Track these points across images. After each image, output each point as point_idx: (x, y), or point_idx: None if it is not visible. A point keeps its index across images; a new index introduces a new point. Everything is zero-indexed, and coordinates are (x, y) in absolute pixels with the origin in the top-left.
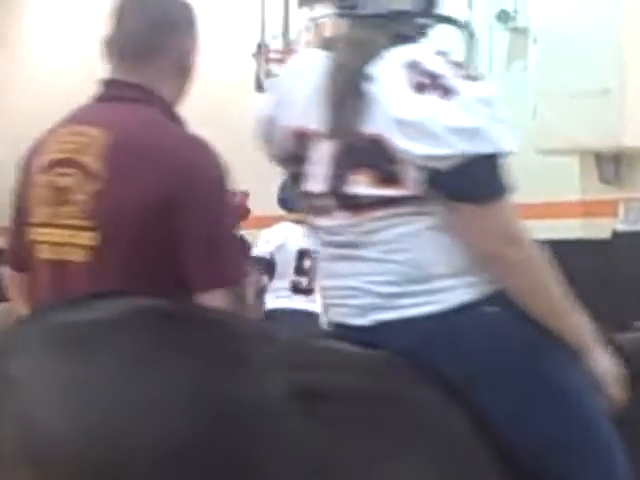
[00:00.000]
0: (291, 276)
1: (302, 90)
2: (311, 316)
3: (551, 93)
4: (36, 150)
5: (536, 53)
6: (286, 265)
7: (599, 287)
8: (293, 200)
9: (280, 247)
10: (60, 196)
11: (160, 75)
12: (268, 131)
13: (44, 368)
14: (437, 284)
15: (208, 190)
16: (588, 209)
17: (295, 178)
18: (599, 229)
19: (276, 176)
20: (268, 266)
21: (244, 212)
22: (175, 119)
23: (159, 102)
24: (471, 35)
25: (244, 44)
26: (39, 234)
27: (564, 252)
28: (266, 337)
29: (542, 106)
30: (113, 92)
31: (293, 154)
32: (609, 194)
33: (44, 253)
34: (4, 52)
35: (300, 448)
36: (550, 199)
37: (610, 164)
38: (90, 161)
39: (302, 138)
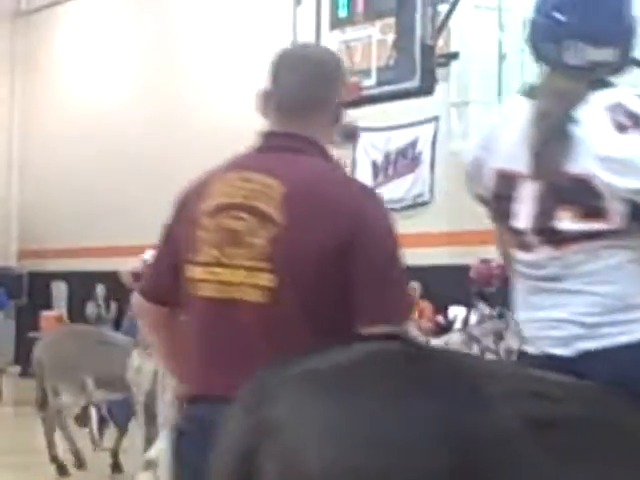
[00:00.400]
0: None
1: (508, 135)
2: None
3: None
4: (198, 193)
5: None
6: None
7: None
8: None
9: None
10: (231, 238)
11: (318, 126)
12: (474, 172)
13: (304, 411)
14: (636, 314)
15: (379, 235)
16: None
17: (499, 216)
18: None
19: None
20: None
21: None
22: (336, 166)
23: (321, 152)
24: None
25: None
26: (203, 272)
27: None
28: (491, 370)
29: None
30: (275, 143)
31: (497, 194)
32: None
33: (208, 291)
34: (34, 76)
35: (537, 477)
36: None
37: None
38: (266, 207)
39: (508, 179)
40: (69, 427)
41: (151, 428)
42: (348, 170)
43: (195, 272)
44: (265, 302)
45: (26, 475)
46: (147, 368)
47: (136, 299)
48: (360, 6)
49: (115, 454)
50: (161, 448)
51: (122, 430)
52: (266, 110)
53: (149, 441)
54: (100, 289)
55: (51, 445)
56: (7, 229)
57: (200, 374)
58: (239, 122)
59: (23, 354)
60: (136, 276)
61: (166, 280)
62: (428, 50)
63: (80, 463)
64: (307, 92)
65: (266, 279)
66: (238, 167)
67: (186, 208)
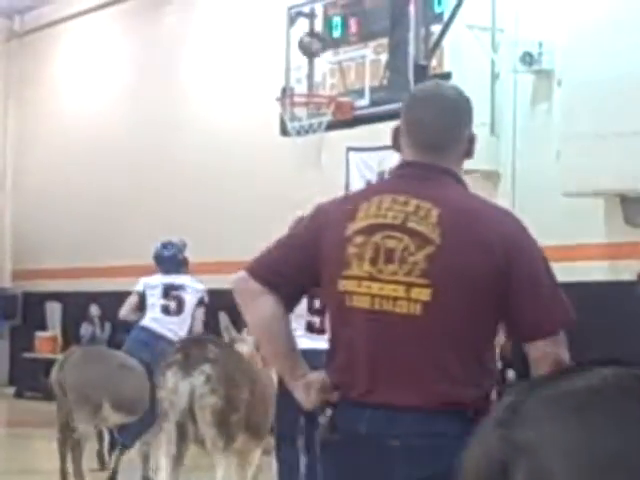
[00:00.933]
0: (306, 316)
1: None
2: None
3: (575, 136)
4: (345, 213)
5: (561, 96)
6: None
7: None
8: None
9: None
10: (386, 255)
11: (454, 159)
12: None
13: (558, 433)
14: None
15: (530, 250)
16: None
17: None
18: (624, 271)
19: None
20: None
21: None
22: (473, 194)
23: (458, 180)
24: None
25: (268, 88)
26: (356, 286)
27: (590, 294)
28: None
29: (566, 149)
30: (417, 172)
31: None
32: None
33: (362, 303)
34: (28, 96)
35: None
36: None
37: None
38: (422, 228)
39: None
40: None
41: (182, 446)
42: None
43: (347, 285)
44: (420, 315)
45: None
46: (183, 388)
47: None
48: (353, 27)
49: (115, 472)
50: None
51: (125, 449)
52: (399, 143)
53: (179, 459)
54: (94, 309)
55: (63, 470)
56: (1, 249)
57: (357, 382)
58: (232, 141)
59: (17, 375)
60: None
61: (282, 268)
62: (421, 70)
63: None
64: (443, 127)
65: (423, 294)
66: (387, 191)
67: (331, 227)
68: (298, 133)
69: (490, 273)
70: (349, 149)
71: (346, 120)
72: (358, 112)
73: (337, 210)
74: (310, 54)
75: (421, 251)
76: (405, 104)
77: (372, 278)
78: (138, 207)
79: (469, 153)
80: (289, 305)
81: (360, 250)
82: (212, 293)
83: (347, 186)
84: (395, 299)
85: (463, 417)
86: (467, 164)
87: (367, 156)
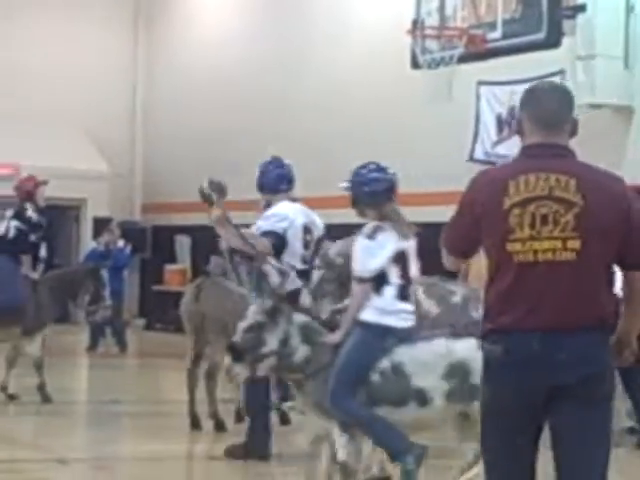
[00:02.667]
0: (300, 250)
1: None
2: None
3: None
4: (499, 192)
5: None
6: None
7: None
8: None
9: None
10: (542, 220)
11: (565, 136)
12: None
13: None
14: None
15: (637, 207)
16: None
17: None
18: None
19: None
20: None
21: None
22: (588, 163)
23: (574, 154)
24: None
25: (399, 21)
26: (522, 245)
27: None
28: None
29: None
30: (549, 151)
31: None
32: None
33: (528, 257)
34: (158, 29)
35: None
36: None
37: None
38: (567, 195)
39: None
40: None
41: None
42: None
43: (515, 246)
44: (574, 259)
45: (156, 422)
46: None
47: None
48: None
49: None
50: None
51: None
52: (523, 130)
53: None
54: (225, 242)
55: (192, 400)
56: (131, 183)
57: (530, 316)
58: (363, 75)
59: (147, 307)
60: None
61: (462, 244)
62: (555, 2)
63: (219, 425)
64: (562, 115)
65: (576, 244)
66: (530, 171)
67: (486, 203)
68: (429, 66)
69: (618, 224)
70: (480, 83)
71: (478, 53)
72: (490, 45)
73: (487, 188)
74: None
75: (569, 212)
76: (526, 96)
77: (533, 238)
78: (265, 141)
79: (574, 132)
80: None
81: (520, 219)
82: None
83: (477, 120)
84: (554, 251)
85: (606, 330)
86: (598, 98)
87: (498, 90)
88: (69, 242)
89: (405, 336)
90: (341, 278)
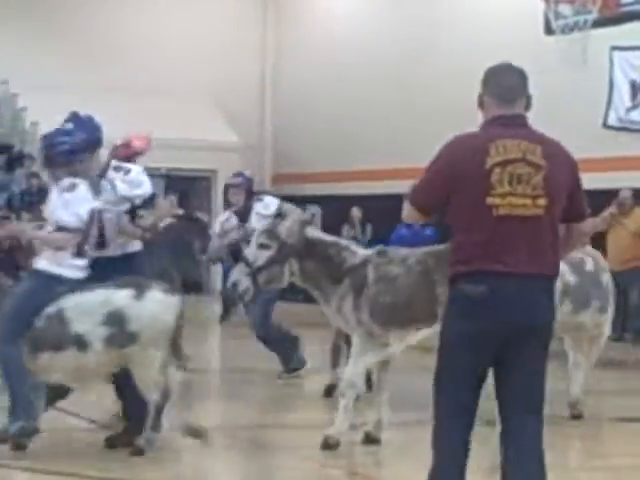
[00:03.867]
0: None
1: None
2: None
3: None
4: (477, 152)
5: None
6: None
7: None
8: None
9: None
10: (518, 179)
11: (523, 108)
12: None
13: None
14: None
15: (578, 172)
16: None
17: None
18: None
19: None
20: None
21: None
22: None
23: (529, 124)
24: None
25: None
26: (501, 200)
27: None
28: None
29: None
30: (516, 121)
31: None
32: None
33: (505, 210)
34: (288, 0)
35: None
36: None
37: None
38: (535, 159)
39: None
40: None
41: None
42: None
43: (495, 200)
44: (542, 214)
45: (288, 391)
46: None
47: (406, 206)
48: None
49: None
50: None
51: None
52: (497, 101)
53: None
54: (356, 211)
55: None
56: (262, 154)
57: (508, 260)
58: (495, 41)
59: None
60: None
61: (432, 199)
62: None
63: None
64: (519, 89)
65: (543, 201)
66: (504, 137)
67: (467, 161)
68: (562, 31)
69: (570, 184)
70: (613, 48)
71: (612, 17)
72: (624, 9)
73: (467, 151)
74: None
75: (539, 174)
76: (487, 75)
77: (510, 194)
78: (397, 111)
79: (528, 106)
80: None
81: (500, 177)
82: None
83: (611, 86)
84: (525, 206)
85: (554, 279)
86: None
87: (632, 55)
88: (201, 212)
89: (76, 286)
90: None
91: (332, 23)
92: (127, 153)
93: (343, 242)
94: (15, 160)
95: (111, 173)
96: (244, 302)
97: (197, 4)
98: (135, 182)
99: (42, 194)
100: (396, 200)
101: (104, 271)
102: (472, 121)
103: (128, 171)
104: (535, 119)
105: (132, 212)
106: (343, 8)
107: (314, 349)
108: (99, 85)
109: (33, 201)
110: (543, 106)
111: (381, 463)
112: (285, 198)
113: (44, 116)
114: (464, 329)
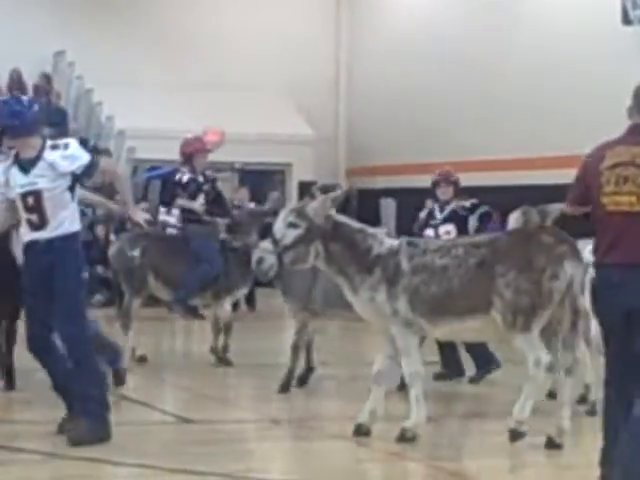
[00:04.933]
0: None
1: None
2: None
3: None
4: (600, 157)
5: None
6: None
7: None
8: None
9: None
10: (624, 180)
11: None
12: None
13: None
14: None
15: None
16: None
17: None
18: None
19: None
20: None
21: None
22: None
23: None
24: None
25: None
26: (609, 199)
27: None
28: None
29: None
30: (635, 129)
31: None
32: None
33: (612, 207)
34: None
35: None
36: None
37: None
38: None
39: None
40: None
41: None
42: None
43: (604, 199)
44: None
45: (359, 385)
46: None
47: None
48: None
49: None
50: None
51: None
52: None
53: None
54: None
55: None
56: (336, 147)
57: (616, 252)
58: (573, 32)
59: None
60: None
61: (577, 198)
62: None
63: None
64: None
65: None
66: (621, 143)
67: (592, 165)
68: None
69: None
70: None
71: None
72: None
73: (594, 156)
74: None
75: None
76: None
77: (616, 193)
78: (472, 104)
79: None
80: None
81: (608, 178)
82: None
83: None
84: (630, 203)
85: None
86: None
87: None
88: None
89: None
90: None
91: (407, 15)
92: (199, 147)
93: (370, 229)
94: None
95: (48, 153)
96: (268, 279)
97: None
98: (75, 156)
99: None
100: (476, 194)
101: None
102: (551, 115)
103: (65, 147)
104: (615, 109)
105: (74, 183)
106: (420, 1)
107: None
108: (174, 80)
109: (111, 195)
110: (622, 95)
111: (462, 456)
112: (360, 192)
113: (119, 111)
114: (597, 313)
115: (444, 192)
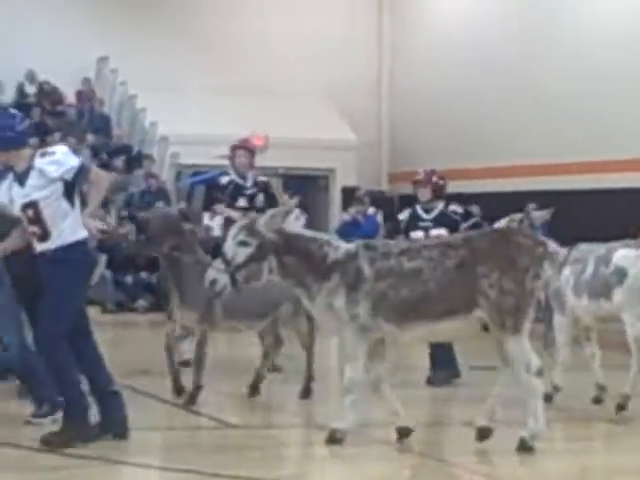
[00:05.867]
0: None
1: None
2: None
3: None
4: None
5: None
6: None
7: None
8: None
9: None
10: None
11: None
12: None
13: None
14: None
15: None
16: None
17: None
18: None
19: None
20: None
21: None
22: None
23: None
24: None
25: None
26: None
27: None
28: None
29: None
30: None
31: None
32: None
33: None
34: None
35: None
36: None
37: None
38: None
39: None
40: None
41: None
42: None
43: None
44: None
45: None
46: None
47: None
48: None
49: None
50: None
51: None
52: None
53: None
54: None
55: None
56: (378, 153)
57: None
58: (619, 33)
59: None
60: None
61: None
62: None
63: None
64: None
65: None
66: None
67: None
68: None
69: None
70: None
71: None
72: None
73: None
74: None
75: None
76: None
77: None
78: (515, 108)
79: None
80: None
81: None
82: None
83: None
84: None
85: None
86: None
87: None
88: (319, 211)
89: None
90: None
91: (448, 18)
92: (237, 145)
93: (323, 236)
94: (134, 161)
95: (38, 161)
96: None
97: (313, 4)
98: (61, 161)
99: (161, 194)
100: (518, 198)
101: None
102: (591, 119)
103: (53, 153)
104: None
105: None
106: (462, 4)
107: None
108: (217, 85)
109: (151, 201)
110: None
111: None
112: (402, 197)
113: (163, 116)
114: None
115: (423, 193)
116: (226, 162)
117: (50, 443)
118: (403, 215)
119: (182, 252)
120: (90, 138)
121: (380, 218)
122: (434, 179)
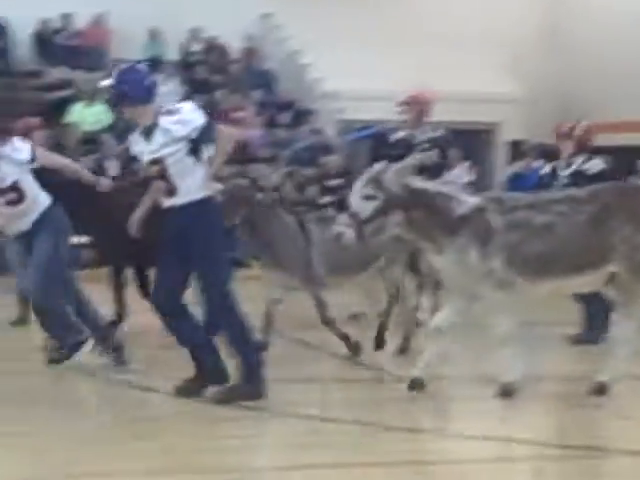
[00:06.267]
0: None
1: None
2: None
3: None
4: None
5: None
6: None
7: None
8: None
9: None
10: None
11: None
12: None
13: None
14: None
15: None
16: None
17: None
18: None
19: None
20: None
21: None
22: None
23: None
24: None
25: None
26: None
27: None
28: None
29: None
30: None
31: None
32: None
33: None
34: None
35: None
36: None
37: None
38: None
39: None
40: None
41: None
42: None
43: None
44: None
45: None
46: None
47: None
48: None
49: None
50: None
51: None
52: None
53: None
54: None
55: None
56: (545, 106)
57: None
58: None
59: None
60: None
61: None
62: None
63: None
64: None
65: None
66: None
67: None
68: None
69: None
70: None
71: None
72: None
73: None
74: None
75: None
76: None
77: None
78: None
79: None
80: None
81: None
82: None
83: None
84: None
85: None
86: None
87: None
88: (482, 166)
89: None
90: None
91: None
92: (406, 99)
93: (450, 191)
94: (300, 116)
95: (163, 119)
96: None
97: None
98: (186, 119)
99: (326, 150)
100: None
101: None
102: None
103: (178, 111)
104: None
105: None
106: None
107: None
108: (382, 40)
109: (316, 157)
110: None
111: None
112: None
113: (327, 72)
114: None
115: (565, 147)
116: (392, 117)
117: (226, 399)
118: (545, 169)
119: (256, 221)
120: (255, 94)
121: (548, 169)
122: (576, 132)
